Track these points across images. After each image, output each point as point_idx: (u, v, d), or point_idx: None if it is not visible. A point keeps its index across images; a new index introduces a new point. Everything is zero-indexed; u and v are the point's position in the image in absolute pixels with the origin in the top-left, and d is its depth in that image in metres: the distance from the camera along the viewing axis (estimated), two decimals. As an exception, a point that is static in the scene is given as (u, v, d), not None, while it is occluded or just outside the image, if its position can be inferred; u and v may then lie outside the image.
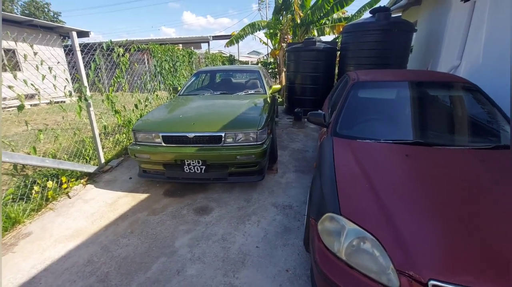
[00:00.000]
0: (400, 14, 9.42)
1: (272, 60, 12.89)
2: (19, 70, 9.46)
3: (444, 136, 2.15)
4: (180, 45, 13.76)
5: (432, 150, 1.92)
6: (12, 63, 9.64)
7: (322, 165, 1.95)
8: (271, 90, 4.31)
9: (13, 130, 6.04)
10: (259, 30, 10.48)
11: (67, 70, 5.77)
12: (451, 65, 4.67)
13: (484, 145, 2.00)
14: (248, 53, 36.25)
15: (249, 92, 4.23)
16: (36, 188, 2.81)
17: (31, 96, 8.68)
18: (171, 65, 7.22)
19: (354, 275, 1.29)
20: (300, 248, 2.13)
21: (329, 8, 8.41)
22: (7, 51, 9.64)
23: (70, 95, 3.24)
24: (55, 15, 30.72)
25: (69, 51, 3.34)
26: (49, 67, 3.01)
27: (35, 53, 2.85)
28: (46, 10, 29.92)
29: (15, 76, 2.61)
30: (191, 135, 2.81)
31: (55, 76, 3.03)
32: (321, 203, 1.62)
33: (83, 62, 3.39)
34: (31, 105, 9.48)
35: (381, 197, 1.50)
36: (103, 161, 3.75)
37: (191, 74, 5.72)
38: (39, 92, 2.95)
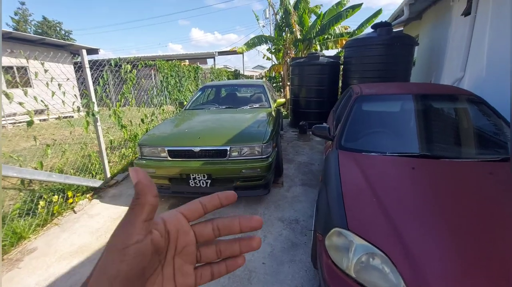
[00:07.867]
0: (402, 29, 9.59)
1: (274, 74, 13.10)
2: (30, 86, 9.75)
3: (449, 148, 2.12)
4: (187, 61, 14.10)
5: (438, 162, 1.89)
6: (23, 80, 9.94)
7: (328, 179, 1.93)
8: (275, 104, 4.35)
9: (22, 145, 6.15)
10: (265, 43, 10.81)
11: (76, 86, 5.90)
12: (454, 77, 4.68)
13: (491, 156, 1.97)
14: (253, 68, 36.91)
15: (254, 106, 4.27)
16: (42, 203, 2.82)
17: (41, 112, 8.92)
18: (177, 80, 7.39)
19: (364, 293, 1.25)
20: (308, 264, 2.08)
21: (321, 24, 8.65)
22: (20, 68, 10.00)
23: (78, 110, 3.31)
24: (67, 33, 31.94)
25: (79, 68, 3.45)
26: (58, 84, 3.10)
27: (46, 71, 2.95)
28: (58, 29, 31.17)
29: (25, 93, 2.68)
30: (196, 149, 2.83)
31: (64, 93, 3.12)
32: (327, 218, 1.60)
33: (92, 79, 3.48)
34: (40, 120, 9.70)
35: (389, 211, 1.47)
36: (109, 175, 3.77)
37: (197, 89, 5.85)
38: (47, 108, 3.04)
